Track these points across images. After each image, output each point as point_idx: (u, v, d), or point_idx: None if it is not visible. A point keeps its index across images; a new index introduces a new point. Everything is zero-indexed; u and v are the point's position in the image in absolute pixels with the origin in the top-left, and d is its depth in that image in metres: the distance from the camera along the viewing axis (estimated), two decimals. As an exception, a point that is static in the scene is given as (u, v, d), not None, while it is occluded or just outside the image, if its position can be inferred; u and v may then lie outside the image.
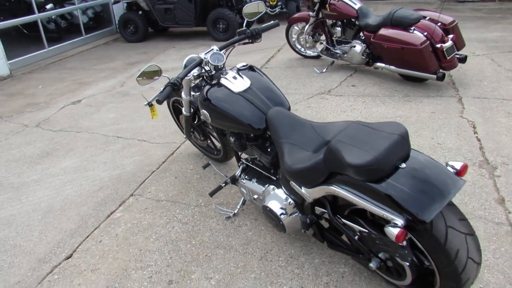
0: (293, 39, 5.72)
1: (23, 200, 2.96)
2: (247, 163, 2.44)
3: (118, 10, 8.43)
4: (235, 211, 2.56)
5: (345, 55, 4.91)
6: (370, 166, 1.52)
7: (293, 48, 5.81)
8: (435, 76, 4.05)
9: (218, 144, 3.06)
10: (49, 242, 2.50)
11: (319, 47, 5.45)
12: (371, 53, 4.62)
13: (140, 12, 7.81)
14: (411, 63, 4.19)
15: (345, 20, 4.91)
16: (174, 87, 2.12)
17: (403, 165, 1.58)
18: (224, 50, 2.41)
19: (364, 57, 4.69)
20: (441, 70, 4.10)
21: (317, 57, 5.61)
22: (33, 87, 5.52)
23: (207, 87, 2.28)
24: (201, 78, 2.44)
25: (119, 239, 2.47)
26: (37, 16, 6.91)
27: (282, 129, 2.04)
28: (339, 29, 4.98)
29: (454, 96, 4.05)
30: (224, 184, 2.50)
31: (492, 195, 2.55)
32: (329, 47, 5.12)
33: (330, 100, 4.25)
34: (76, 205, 2.84)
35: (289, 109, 2.22)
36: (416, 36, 4.07)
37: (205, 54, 2.31)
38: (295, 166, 1.85)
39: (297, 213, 2.07)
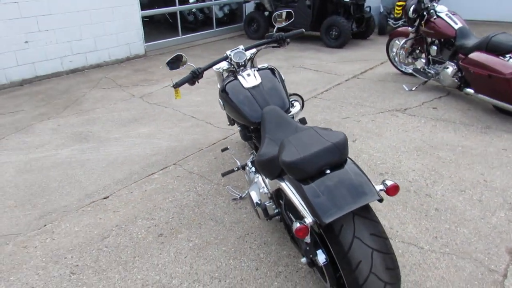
0: (393, 53, 5.58)
1: (100, 150, 3.72)
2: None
3: (250, 9, 9.20)
4: (242, 195, 2.84)
5: (437, 76, 4.66)
6: (295, 165, 1.67)
7: (392, 62, 5.68)
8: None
9: None
10: (99, 184, 3.15)
11: (419, 64, 5.24)
12: (464, 77, 4.30)
13: (266, 13, 8.41)
14: (499, 93, 3.81)
15: (442, 39, 4.64)
16: (193, 76, 2.50)
17: (328, 171, 1.68)
18: (250, 50, 2.69)
19: (456, 80, 4.39)
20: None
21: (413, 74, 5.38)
22: (155, 67, 6.56)
23: (227, 80, 2.60)
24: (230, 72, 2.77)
25: (145, 194, 2.98)
26: (177, 8, 8.07)
27: (269, 125, 2.25)
28: (435, 48, 4.73)
29: (540, 137, 3.56)
30: (236, 169, 2.80)
31: None
32: (424, 65, 4.90)
33: (399, 118, 4.14)
34: (132, 163, 3.46)
35: (287, 110, 2.40)
36: (508, 64, 3.69)
37: (231, 51, 2.63)
38: (260, 158, 2.06)
39: (269, 203, 2.26)
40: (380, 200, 1.61)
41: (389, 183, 1.66)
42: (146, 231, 2.57)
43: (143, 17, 7.20)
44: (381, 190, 1.67)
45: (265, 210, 2.17)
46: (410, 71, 5.33)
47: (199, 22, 9.20)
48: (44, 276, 2.23)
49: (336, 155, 1.70)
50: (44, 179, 3.25)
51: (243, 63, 2.60)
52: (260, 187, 2.29)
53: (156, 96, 5.13)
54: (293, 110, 2.67)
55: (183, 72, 4.65)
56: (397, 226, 2.52)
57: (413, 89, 4.96)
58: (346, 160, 1.74)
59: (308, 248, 1.66)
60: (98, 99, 5.14)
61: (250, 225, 2.59)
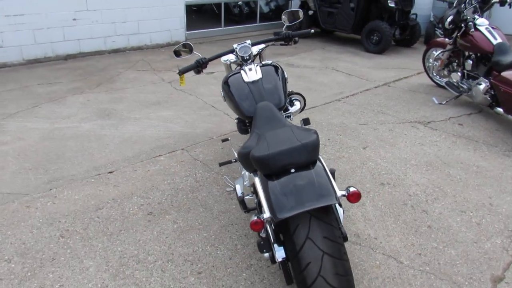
0: (429, 64, 5.39)
1: (118, 128, 3.91)
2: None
3: (296, 6, 9.17)
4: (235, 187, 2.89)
5: (470, 91, 4.46)
6: (261, 161, 1.70)
7: (427, 73, 5.48)
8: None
9: None
10: (109, 159, 3.32)
11: (454, 77, 5.02)
12: (495, 95, 4.09)
13: (311, 12, 8.35)
14: (528, 116, 3.60)
15: (479, 54, 4.42)
16: (198, 65, 2.58)
17: (293, 170, 1.69)
18: (258, 46, 2.72)
19: (488, 98, 4.18)
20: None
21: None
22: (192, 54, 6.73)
23: (231, 72, 2.65)
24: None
25: (147, 174, 3.11)
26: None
27: (259, 120, 2.28)
28: (470, 62, 4.52)
29: None
30: (234, 160, 2.85)
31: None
32: (458, 79, 4.70)
33: (419, 130, 4.01)
34: (144, 143, 3.62)
35: (282, 108, 2.42)
36: (541, 86, 3.47)
37: (238, 45, 2.67)
38: (241, 150, 2.10)
39: (251, 196, 2.30)
40: (339, 205, 1.61)
41: (351, 189, 1.65)
42: (138, 208, 2.70)
43: (192, 6, 7.40)
44: (342, 195, 1.67)
45: (242, 202, 2.21)
46: (444, 84, 5.13)
47: (243, 15, 9.29)
48: (37, 235, 2.41)
49: (302, 156, 1.71)
50: (61, 148, 3.47)
51: (247, 57, 2.64)
52: (244, 180, 2.33)
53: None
54: (293, 109, 2.68)
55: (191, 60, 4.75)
56: (382, 238, 2.47)
57: (443, 102, 4.77)
58: (315, 161, 1.75)
59: (262, 242, 1.69)
60: (130, 79, 5.36)
61: (237, 216, 2.64)
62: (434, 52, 5.22)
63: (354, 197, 1.64)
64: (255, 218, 1.64)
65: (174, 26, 7.28)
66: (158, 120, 4.11)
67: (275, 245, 1.76)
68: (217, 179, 3.06)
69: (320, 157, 1.93)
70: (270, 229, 1.74)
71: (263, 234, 1.70)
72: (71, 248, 2.32)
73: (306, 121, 3.06)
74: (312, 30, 2.65)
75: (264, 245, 1.69)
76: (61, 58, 6.18)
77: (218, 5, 8.70)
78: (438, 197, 2.91)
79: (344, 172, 3.19)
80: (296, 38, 2.70)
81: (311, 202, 1.58)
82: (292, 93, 2.84)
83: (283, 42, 2.74)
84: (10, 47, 5.67)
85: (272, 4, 9.57)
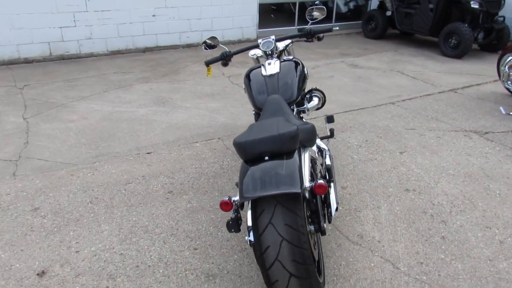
0: (504, 71, 4.92)
1: (168, 114, 4.24)
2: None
3: (375, 6, 8.89)
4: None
5: (543, 102, 4.01)
6: (238, 146, 1.80)
7: (500, 80, 5.01)
8: None
9: None
10: (151, 141, 3.64)
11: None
12: None
13: (388, 13, 8.04)
14: None
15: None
16: (222, 57, 2.74)
17: (267, 158, 1.76)
18: (284, 41, 2.79)
19: (562, 110, 3.74)
20: None
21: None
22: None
23: (255, 66, 2.76)
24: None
25: (180, 157, 3.36)
26: (296, -1, 8.30)
27: (266, 112, 2.36)
28: (546, 69, 4.06)
29: None
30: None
31: None
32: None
33: (471, 140, 3.73)
34: (186, 130, 3.89)
35: (292, 102, 2.46)
36: None
37: (262, 40, 2.77)
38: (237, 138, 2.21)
39: None
40: (298, 194, 1.65)
41: (319, 181, 1.68)
42: (161, 186, 2.94)
43: (271, 5, 7.62)
44: (309, 186, 1.70)
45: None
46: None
47: (320, 15, 9.25)
48: (71, 199, 2.77)
49: (276, 145, 1.77)
50: (115, 129, 3.88)
51: (269, 51, 2.73)
52: None
53: (240, 78, 5.50)
54: (310, 104, 2.71)
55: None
56: (387, 242, 2.40)
57: (511, 113, 4.34)
58: (291, 152, 1.79)
59: (230, 222, 1.78)
60: (194, 72, 5.73)
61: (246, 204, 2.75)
62: (510, 57, 4.76)
63: (318, 188, 1.66)
64: (226, 198, 1.74)
65: (246, 24, 7.55)
66: (206, 110, 4.37)
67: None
68: (235, 167, 3.19)
69: (306, 150, 1.97)
70: (240, 211, 1.83)
71: (233, 215, 1.79)
72: (95, 213, 2.63)
73: (329, 119, 3.06)
74: (337, 27, 2.64)
75: (232, 225, 1.78)
76: (140, 51, 6.80)
77: (295, 4, 8.79)
78: (465, 209, 2.71)
79: (369, 174, 3.12)
80: (321, 35, 2.72)
81: (273, 188, 1.64)
82: (313, 89, 2.86)
83: (305, 39, 2.77)
84: (97, 39, 6.40)
85: (351, 4, 9.39)
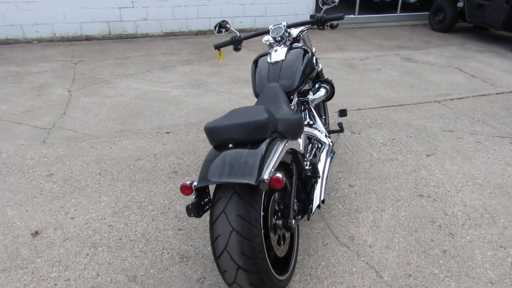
0: None
1: (199, 97, 4.30)
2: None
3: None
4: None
5: None
6: (206, 131, 1.77)
7: None
8: None
9: None
10: (174, 121, 3.73)
11: None
12: None
13: (460, 4, 7.38)
14: None
15: None
16: (232, 41, 2.70)
17: (231, 145, 1.71)
18: (297, 28, 2.67)
19: None
20: None
21: None
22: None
23: (261, 53, 2.68)
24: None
25: (195, 139, 3.40)
26: (359, -14, 7.92)
27: (261, 99, 2.29)
28: None
29: None
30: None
31: None
32: None
33: (501, 149, 3.34)
34: (211, 113, 3.91)
35: (293, 91, 2.36)
36: None
37: (273, 25, 2.67)
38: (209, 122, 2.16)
39: None
40: (255, 186, 1.58)
41: (275, 174, 1.60)
42: (168, 166, 3.01)
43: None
44: (266, 179, 1.62)
45: None
46: None
47: (385, 4, 8.77)
48: (83, 169, 2.94)
49: (241, 133, 1.70)
50: (145, 107, 4.03)
51: (279, 38, 2.63)
52: None
53: (283, 65, 5.39)
54: (315, 95, 2.58)
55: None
56: (378, 248, 2.24)
57: None
58: (258, 141, 1.72)
59: (190, 206, 1.76)
60: (237, 57, 5.74)
61: (245, 191, 2.71)
62: None
63: (273, 181, 1.58)
64: (188, 182, 1.73)
65: (301, 10, 7.38)
66: (237, 95, 4.36)
67: None
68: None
69: (283, 141, 1.87)
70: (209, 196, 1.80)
71: (194, 200, 1.77)
72: (100, 184, 2.76)
73: (342, 112, 2.91)
74: (351, 16, 2.47)
75: (191, 210, 1.76)
76: (193, 34, 6.95)
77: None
78: (481, 224, 2.44)
79: (383, 175, 2.92)
80: (334, 23, 2.57)
81: (228, 177, 1.59)
82: (323, 80, 2.71)
83: (316, 26, 2.63)
84: (153, 21, 6.65)
85: (423, -7, 8.77)
